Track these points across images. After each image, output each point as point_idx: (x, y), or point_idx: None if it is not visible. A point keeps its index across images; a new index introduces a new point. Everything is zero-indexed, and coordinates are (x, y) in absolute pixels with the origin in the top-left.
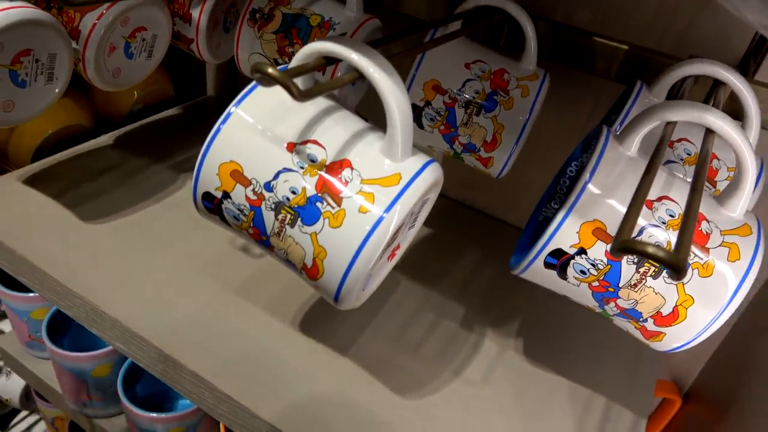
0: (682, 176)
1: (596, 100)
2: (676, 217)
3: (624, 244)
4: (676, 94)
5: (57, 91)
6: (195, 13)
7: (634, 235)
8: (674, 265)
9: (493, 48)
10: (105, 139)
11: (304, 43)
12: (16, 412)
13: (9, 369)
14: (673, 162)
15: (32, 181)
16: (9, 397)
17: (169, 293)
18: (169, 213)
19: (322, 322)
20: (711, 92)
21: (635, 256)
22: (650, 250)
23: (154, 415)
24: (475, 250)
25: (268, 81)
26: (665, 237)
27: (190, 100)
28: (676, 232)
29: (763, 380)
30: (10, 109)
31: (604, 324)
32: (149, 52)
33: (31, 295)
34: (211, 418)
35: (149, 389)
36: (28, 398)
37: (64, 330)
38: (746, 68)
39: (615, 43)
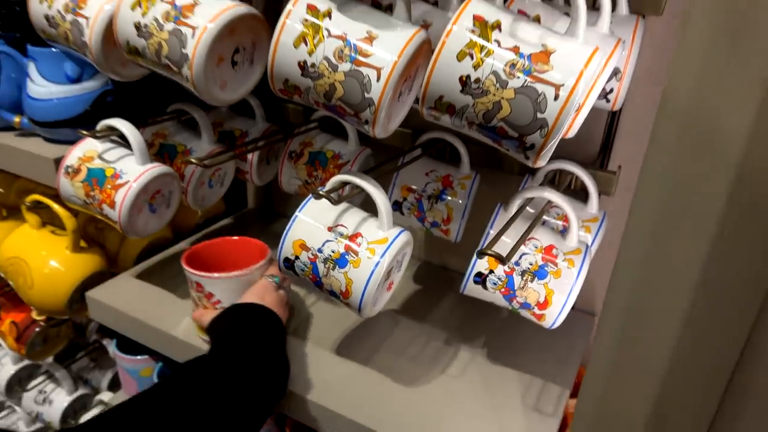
0: (554, 227)
1: (516, 187)
2: (539, 247)
3: (482, 250)
4: (553, 179)
5: (172, 213)
6: (250, 156)
7: (517, 258)
8: (499, 258)
9: (442, 161)
10: (181, 245)
11: (324, 168)
12: None
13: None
14: (551, 218)
15: (141, 276)
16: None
17: None
18: None
19: (351, 347)
20: (571, 178)
21: (509, 266)
22: (489, 252)
23: None
24: (451, 296)
25: (319, 196)
26: (533, 258)
27: (235, 212)
28: (540, 255)
29: None
30: (146, 226)
31: (538, 333)
32: (221, 182)
33: (139, 357)
34: (278, 428)
35: None
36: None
37: None
38: (601, 161)
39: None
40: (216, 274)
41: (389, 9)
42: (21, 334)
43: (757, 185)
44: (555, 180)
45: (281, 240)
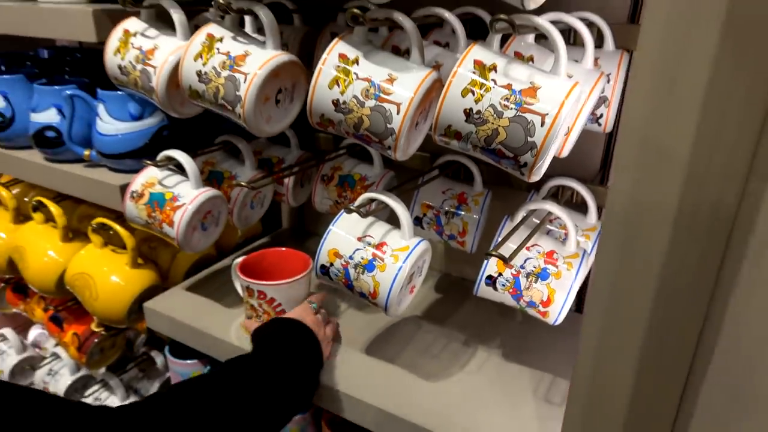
0: (557, 236)
1: (523, 201)
2: (541, 252)
3: (488, 252)
4: (556, 194)
5: (220, 231)
6: (286, 180)
7: (522, 262)
8: (503, 258)
9: (457, 180)
10: (224, 261)
11: (352, 189)
12: None
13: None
14: (554, 227)
15: (190, 289)
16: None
17: None
18: None
19: (379, 346)
20: (571, 192)
21: (514, 268)
22: (495, 253)
23: None
24: (468, 303)
25: (350, 211)
26: (536, 262)
27: (271, 232)
28: (542, 259)
29: None
30: (199, 243)
31: (546, 334)
32: (261, 203)
33: (189, 362)
34: (315, 426)
35: None
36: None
37: None
38: (601, 177)
39: None
40: (280, 282)
41: (407, 53)
42: (82, 345)
43: (698, 190)
44: (558, 194)
45: (317, 250)
